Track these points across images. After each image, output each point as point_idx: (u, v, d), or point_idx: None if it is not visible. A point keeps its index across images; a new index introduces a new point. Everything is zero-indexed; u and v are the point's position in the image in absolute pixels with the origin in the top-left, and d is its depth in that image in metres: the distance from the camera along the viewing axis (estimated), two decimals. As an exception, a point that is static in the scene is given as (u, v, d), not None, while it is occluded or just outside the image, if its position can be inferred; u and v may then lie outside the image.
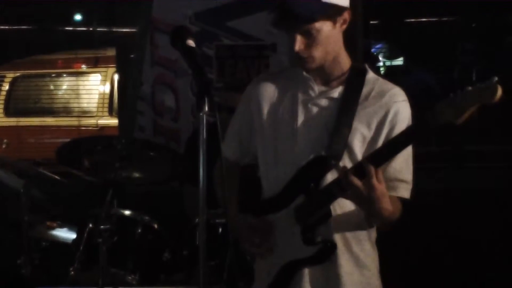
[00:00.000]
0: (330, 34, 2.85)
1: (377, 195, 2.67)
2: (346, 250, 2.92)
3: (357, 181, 2.67)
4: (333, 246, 2.88)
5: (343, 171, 2.74)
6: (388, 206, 2.74)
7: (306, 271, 2.93)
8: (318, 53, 2.87)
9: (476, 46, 11.15)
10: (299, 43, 2.84)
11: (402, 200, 2.90)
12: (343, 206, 2.89)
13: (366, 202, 2.71)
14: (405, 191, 2.91)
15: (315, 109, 2.95)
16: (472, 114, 2.52)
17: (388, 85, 2.96)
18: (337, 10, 2.84)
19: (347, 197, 2.80)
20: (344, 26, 2.90)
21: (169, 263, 4.55)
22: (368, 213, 2.83)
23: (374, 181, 2.66)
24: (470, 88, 2.49)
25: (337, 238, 2.91)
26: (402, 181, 2.90)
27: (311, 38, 2.83)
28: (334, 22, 2.85)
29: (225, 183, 3.11)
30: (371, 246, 3.00)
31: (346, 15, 2.87)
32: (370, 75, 2.98)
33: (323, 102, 2.95)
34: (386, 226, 2.95)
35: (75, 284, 4.37)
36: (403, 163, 2.88)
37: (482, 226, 5.58)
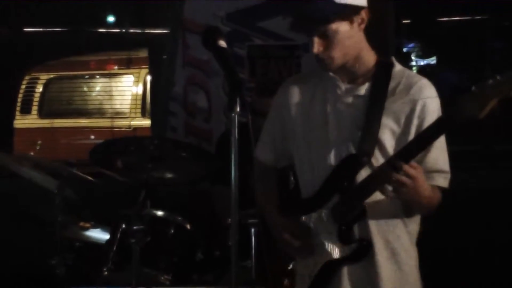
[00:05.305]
0: (348, 35, 2.86)
1: (418, 182, 2.71)
2: (385, 247, 2.93)
3: (398, 176, 2.70)
4: (368, 245, 2.89)
5: (381, 168, 2.78)
6: (427, 194, 2.79)
7: (345, 270, 2.94)
8: (336, 53, 2.88)
9: (508, 45, 11.06)
10: (317, 45, 2.86)
11: (441, 189, 2.92)
12: (379, 203, 2.90)
13: (410, 192, 2.73)
14: (442, 180, 2.91)
15: (343, 108, 2.96)
16: (494, 108, 2.52)
17: (415, 77, 2.96)
18: (353, 10, 2.85)
19: (384, 191, 2.83)
20: (363, 25, 2.91)
21: (201, 263, 4.56)
22: (408, 202, 2.85)
23: (412, 171, 2.69)
24: (490, 80, 2.49)
25: (376, 235, 2.91)
26: (439, 171, 2.91)
27: (328, 40, 2.85)
28: (351, 22, 2.87)
29: (259, 187, 3.17)
30: (410, 243, 3.01)
31: (363, 14, 2.88)
32: (397, 68, 2.98)
33: (350, 100, 2.96)
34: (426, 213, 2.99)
35: (108, 284, 4.39)
36: (438, 154, 2.90)
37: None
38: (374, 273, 2.92)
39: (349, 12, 2.84)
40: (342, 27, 2.84)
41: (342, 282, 2.94)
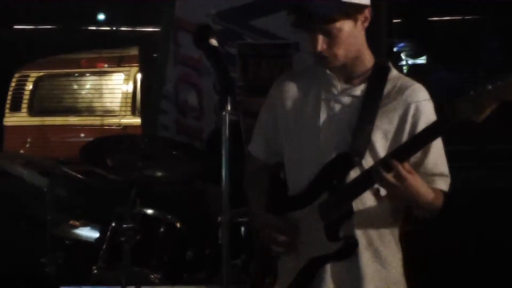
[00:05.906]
0: (351, 33, 2.85)
1: (409, 183, 2.69)
2: (368, 246, 2.93)
3: (388, 176, 2.68)
4: (355, 242, 2.89)
5: (373, 167, 2.76)
6: (425, 192, 2.78)
7: (328, 267, 2.93)
8: (340, 51, 2.86)
9: (502, 45, 11.08)
10: (321, 43, 2.84)
11: (443, 192, 2.91)
12: (365, 202, 2.89)
13: (400, 193, 2.73)
14: (442, 183, 2.91)
15: (337, 107, 2.96)
16: (493, 111, 2.52)
17: (409, 82, 2.97)
18: (358, 8, 2.84)
19: (380, 192, 2.83)
20: (366, 24, 2.90)
21: (192, 261, 4.55)
22: (405, 201, 2.85)
23: (403, 172, 2.67)
24: (489, 86, 2.48)
25: (360, 234, 2.91)
26: (438, 174, 2.90)
27: (332, 38, 2.83)
28: (355, 21, 2.85)
29: (250, 182, 3.16)
30: (394, 242, 3.00)
31: (367, 13, 2.87)
32: (393, 73, 2.98)
33: (345, 99, 2.95)
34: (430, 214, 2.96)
35: (98, 283, 4.38)
36: (437, 157, 2.90)
37: (507, 227, 5.54)
38: (357, 272, 2.92)
39: (354, 11, 2.83)
40: (346, 26, 2.82)
41: (325, 280, 2.94)
